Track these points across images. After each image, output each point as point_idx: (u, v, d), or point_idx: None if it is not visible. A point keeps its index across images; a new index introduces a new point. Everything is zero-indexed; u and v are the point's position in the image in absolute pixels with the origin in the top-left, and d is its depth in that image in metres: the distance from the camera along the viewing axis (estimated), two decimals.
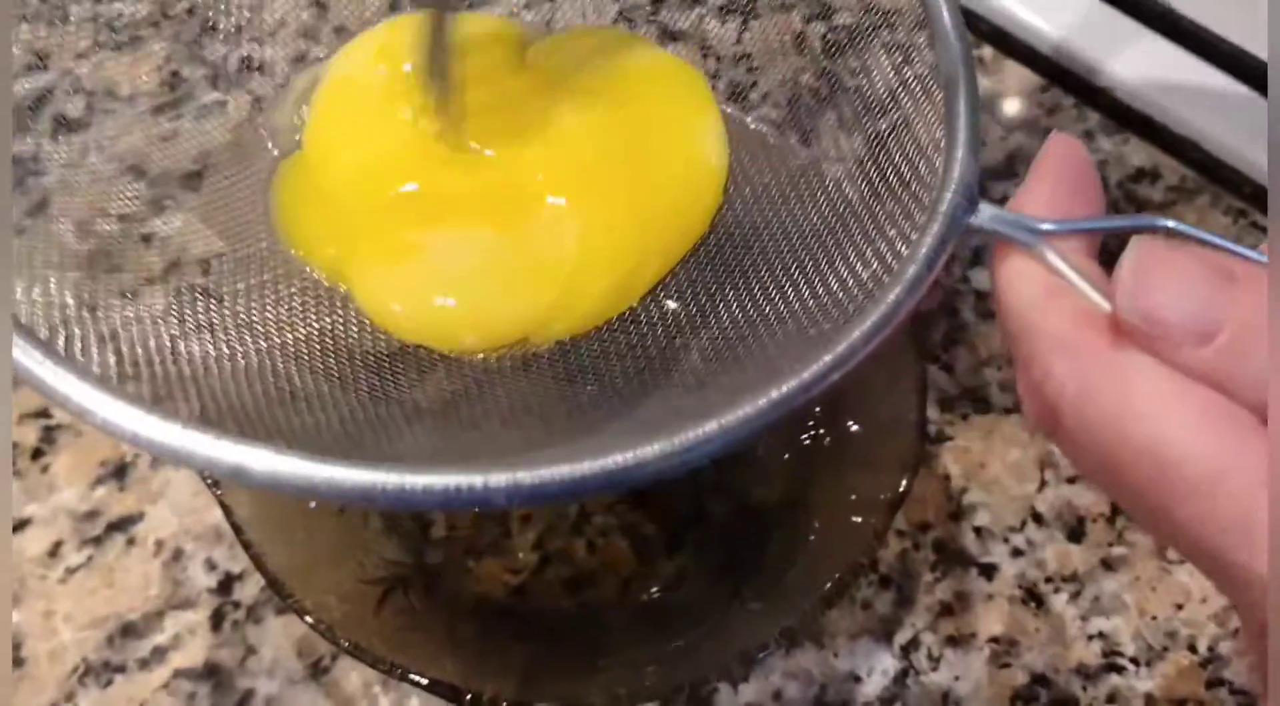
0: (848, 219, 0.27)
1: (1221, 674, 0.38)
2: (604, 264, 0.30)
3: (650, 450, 0.21)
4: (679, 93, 0.32)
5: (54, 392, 0.21)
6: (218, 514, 0.40)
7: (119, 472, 0.41)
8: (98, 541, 0.40)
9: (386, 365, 0.29)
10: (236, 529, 0.34)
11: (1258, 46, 0.46)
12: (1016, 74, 0.50)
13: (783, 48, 0.34)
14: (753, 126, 0.33)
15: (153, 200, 0.48)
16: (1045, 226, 0.22)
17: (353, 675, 0.38)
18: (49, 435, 0.42)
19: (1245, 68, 0.47)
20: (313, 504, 0.36)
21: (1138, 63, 0.48)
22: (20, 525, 0.40)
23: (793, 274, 0.28)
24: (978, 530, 0.41)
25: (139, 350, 0.26)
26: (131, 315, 0.27)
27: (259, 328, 0.29)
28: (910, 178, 0.26)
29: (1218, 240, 0.21)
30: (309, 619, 0.33)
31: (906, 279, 0.23)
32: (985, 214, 0.23)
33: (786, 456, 0.39)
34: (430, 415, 0.28)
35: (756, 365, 0.27)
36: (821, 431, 0.38)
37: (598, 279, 0.29)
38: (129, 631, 0.39)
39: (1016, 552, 0.40)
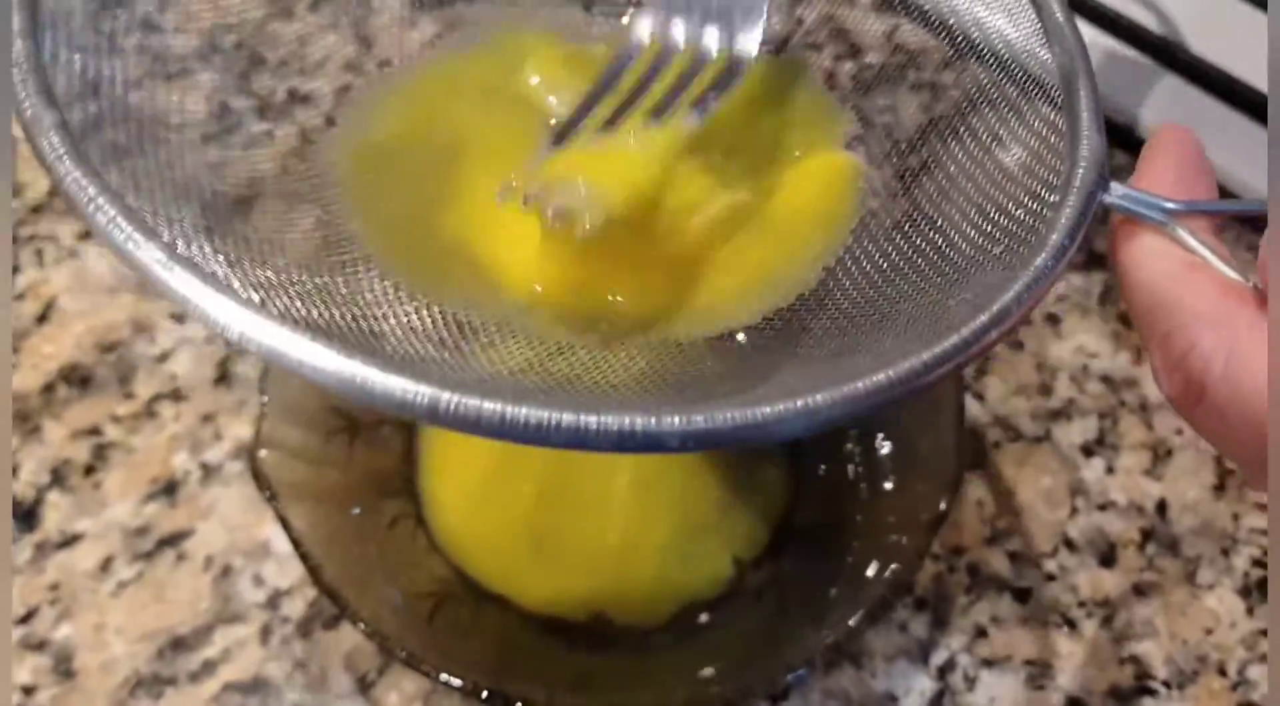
0: (980, 202, 0.28)
1: (1251, 697, 0.39)
2: None
3: (821, 398, 0.20)
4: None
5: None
6: (267, 530, 0.41)
7: (169, 489, 0.42)
8: (148, 556, 0.41)
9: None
10: (295, 542, 0.35)
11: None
12: None
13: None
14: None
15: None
16: (1173, 206, 0.24)
17: (394, 693, 0.39)
18: (101, 452, 0.43)
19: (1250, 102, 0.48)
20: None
21: (1159, 103, 0.50)
22: (72, 540, 0.41)
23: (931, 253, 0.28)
24: (1011, 555, 0.41)
25: None
26: None
27: None
28: (1036, 166, 0.27)
29: None
30: (363, 627, 0.33)
31: (1051, 246, 0.24)
32: (1117, 192, 0.24)
33: (825, 474, 0.40)
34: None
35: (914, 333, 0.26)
36: (858, 453, 0.40)
37: None
38: (179, 645, 0.39)
39: (1049, 577, 0.41)
